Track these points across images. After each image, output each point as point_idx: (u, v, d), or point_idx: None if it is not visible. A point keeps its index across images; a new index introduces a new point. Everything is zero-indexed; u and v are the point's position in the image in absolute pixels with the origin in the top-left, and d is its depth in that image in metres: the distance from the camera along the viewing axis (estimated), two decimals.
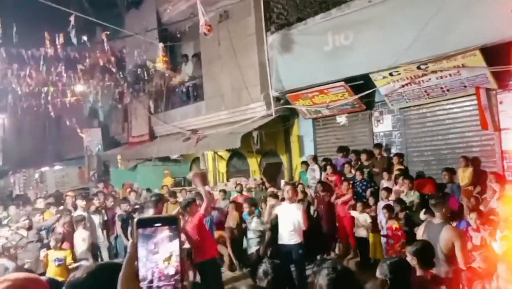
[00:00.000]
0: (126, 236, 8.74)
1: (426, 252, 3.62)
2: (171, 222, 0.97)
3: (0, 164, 22.09)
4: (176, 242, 0.96)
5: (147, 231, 0.95)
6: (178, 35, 13.74)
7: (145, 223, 0.96)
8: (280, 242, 6.68)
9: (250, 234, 7.70)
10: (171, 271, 0.94)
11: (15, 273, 1.70)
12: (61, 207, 9.06)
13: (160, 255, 0.95)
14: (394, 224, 6.95)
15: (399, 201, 7.37)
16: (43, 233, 7.30)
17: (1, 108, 17.53)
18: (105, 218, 8.90)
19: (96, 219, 8.71)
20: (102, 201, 9.40)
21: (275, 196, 7.70)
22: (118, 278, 1.13)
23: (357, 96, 9.25)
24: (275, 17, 10.60)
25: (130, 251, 0.96)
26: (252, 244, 7.58)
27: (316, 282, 2.54)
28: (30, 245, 6.94)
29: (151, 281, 0.93)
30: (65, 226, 8.03)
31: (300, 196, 8.45)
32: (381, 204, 7.82)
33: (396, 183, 8.14)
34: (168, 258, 0.94)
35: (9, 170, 20.46)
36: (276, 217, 6.78)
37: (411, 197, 7.50)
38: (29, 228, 7.27)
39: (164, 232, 0.95)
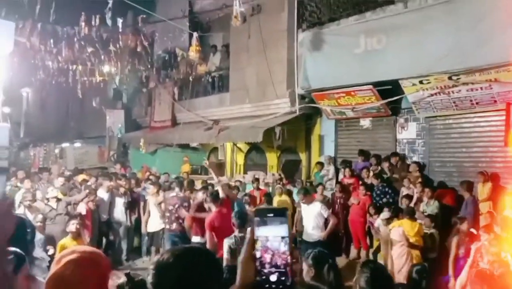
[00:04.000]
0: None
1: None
2: (281, 213, 1.07)
3: (22, 136, 22.50)
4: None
5: (257, 219, 1.07)
6: (208, 25, 13.82)
7: (260, 213, 1.08)
8: (303, 237, 6.84)
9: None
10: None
11: (82, 246, 1.82)
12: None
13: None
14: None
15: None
16: (71, 207, 7.46)
17: (27, 82, 17.80)
18: (129, 199, 9.05)
19: (120, 200, 8.83)
20: (126, 183, 9.55)
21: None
22: (201, 261, 1.23)
23: (384, 101, 9.23)
24: (308, 15, 10.57)
25: (249, 236, 1.05)
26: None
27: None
28: (58, 217, 7.10)
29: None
30: (89, 205, 8.18)
31: (320, 197, 8.52)
32: None
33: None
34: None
35: (30, 142, 20.81)
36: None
37: (431, 206, 7.52)
38: (58, 200, 7.45)
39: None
